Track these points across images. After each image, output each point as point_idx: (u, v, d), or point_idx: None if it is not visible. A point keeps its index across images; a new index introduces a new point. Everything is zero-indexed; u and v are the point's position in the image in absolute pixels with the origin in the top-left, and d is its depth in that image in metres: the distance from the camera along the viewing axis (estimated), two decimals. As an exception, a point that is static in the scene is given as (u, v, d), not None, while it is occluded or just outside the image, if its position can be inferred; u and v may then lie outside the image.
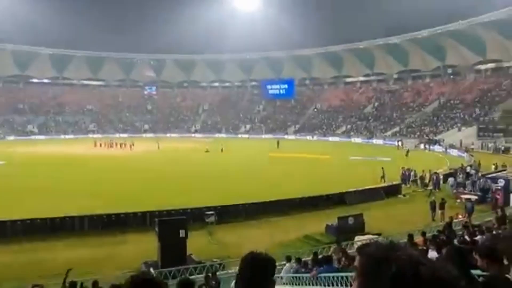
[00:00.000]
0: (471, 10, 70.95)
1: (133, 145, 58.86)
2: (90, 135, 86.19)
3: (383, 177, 30.40)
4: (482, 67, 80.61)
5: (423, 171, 30.71)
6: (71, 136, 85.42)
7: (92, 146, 61.10)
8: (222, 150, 53.44)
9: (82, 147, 59.50)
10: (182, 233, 14.98)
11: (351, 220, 18.97)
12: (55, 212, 19.71)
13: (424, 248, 8.75)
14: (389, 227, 19.07)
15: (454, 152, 51.09)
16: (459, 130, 63.95)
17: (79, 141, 73.06)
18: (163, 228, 15.07)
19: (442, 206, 21.25)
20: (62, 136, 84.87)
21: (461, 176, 29.67)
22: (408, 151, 49.33)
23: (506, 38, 71.40)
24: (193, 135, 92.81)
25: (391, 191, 27.23)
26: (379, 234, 17.57)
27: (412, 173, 31.13)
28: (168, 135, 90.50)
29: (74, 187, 28.45)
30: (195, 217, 19.70)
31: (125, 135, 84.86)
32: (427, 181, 29.96)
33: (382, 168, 31.26)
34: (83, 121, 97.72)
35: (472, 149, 52.57)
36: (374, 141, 71.78)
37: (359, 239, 16.54)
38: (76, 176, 33.21)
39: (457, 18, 75.10)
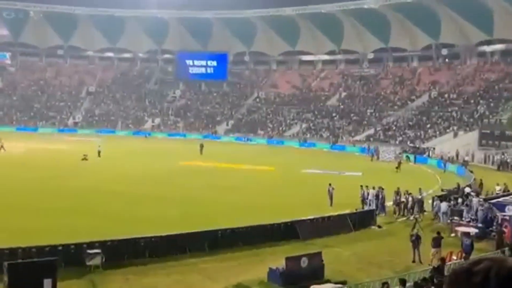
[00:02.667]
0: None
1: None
2: None
3: (331, 197, 31.74)
4: (488, 48, 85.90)
5: (408, 192, 31.67)
6: None
7: None
8: (99, 154, 53.29)
9: None
10: (47, 283, 14.74)
11: (304, 262, 19.27)
12: None
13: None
14: (358, 272, 19.64)
15: (448, 167, 53.60)
16: (455, 135, 67.73)
17: None
18: (16, 276, 14.77)
19: (437, 243, 21.50)
20: None
21: (458, 200, 31.03)
22: (400, 163, 51.35)
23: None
24: (69, 131, 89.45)
25: (362, 221, 28.12)
26: (343, 283, 18.01)
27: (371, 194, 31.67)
28: (26, 129, 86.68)
29: None
30: (70, 257, 19.27)
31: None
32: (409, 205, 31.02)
33: (330, 184, 32.54)
34: None
35: (467, 161, 55.05)
36: (340, 147, 73.96)
37: (316, 290, 16.86)
38: None
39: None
